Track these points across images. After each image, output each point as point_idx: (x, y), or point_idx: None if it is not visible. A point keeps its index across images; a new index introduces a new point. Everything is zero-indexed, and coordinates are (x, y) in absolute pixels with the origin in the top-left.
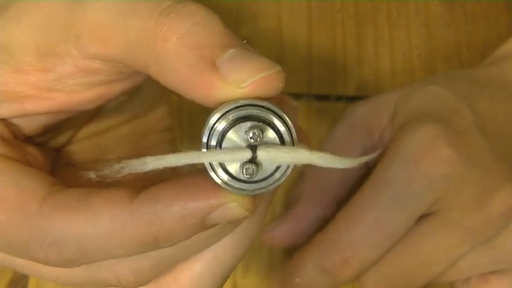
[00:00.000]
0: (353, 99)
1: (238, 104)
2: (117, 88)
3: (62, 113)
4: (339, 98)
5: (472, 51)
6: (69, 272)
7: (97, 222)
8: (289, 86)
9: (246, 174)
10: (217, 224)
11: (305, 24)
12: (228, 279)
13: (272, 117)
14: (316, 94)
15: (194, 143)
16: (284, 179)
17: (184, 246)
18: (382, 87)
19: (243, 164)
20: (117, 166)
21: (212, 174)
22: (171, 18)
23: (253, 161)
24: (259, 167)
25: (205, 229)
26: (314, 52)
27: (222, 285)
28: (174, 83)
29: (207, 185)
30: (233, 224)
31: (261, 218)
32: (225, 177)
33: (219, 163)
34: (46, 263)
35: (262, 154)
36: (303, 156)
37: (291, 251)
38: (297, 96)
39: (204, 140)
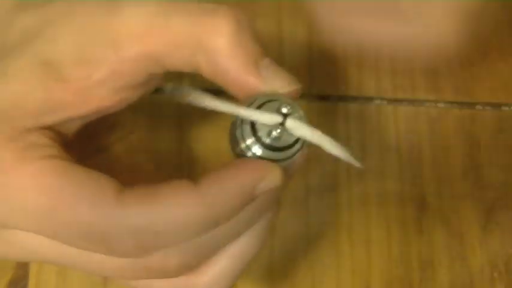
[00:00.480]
0: (353, 99)
1: (271, 98)
2: (139, 92)
3: (91, 116)
4: (340, 98)
5: (472, 51)
6: (114, 261)
7: (171, 209)
8: None
9: (273, 137)
10: (261, 194)
11: (305, 24)
12: None
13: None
14: (316, 94)
15: (195, 142)
16: (300, 152)
17: (230, 228)
18: (382, 87)
19: (270, 131)
20: (169, 87)
21: (246, 127)
22: (221, 18)
23: (281, 126)
24: (283, 135)
25: (252, 200)
26: (314, 52)
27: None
28: (221, 77)
29: (249, 163)
30: (267, 203)
31: (272, 220)
32: (256, 147)
33: (254, 135)
34: (120, 253)
35: (289, 122)
36: (320, 136)
37: (291, 251)
38: None
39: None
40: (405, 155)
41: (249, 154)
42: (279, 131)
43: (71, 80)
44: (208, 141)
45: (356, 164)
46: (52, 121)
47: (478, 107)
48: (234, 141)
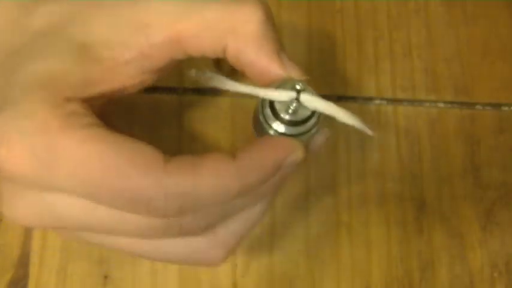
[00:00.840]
0: (353, 99)
1: (285, 81)
2: (156, 76)
3: (116, 94)
4: (339, 98)
5: (472, 51)
6: (149, 221)
7: (211, 179)
8: None
9: (290, 112)
10: (285, 167)
11: (305, 24)
12: (228, 279)
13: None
14: None
15: (194, 142)
16: (317, 126)
17: (253, 196)
18: (382, 87)
19: (288, 106)
20: (194, 72)
21: (266, 110)
22: (250, 6)
23: (296, 101)
24: (299, 109)
25: (278, 172)
26: (314, 52)
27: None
28: (245, 62)
29: (277, 140)
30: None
31: (272, 198)
32: (277, 126)
33: (274, 115)
34: (161, 214)
35: (304, 97)
36: (332, 107)
37: (291, 251)
38: None
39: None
40: (405, 155)
41: (272, 132)
42: (294, 105)
43: (103, 60)
44: (208, 141)
45: (368, 132)
46: (88, 94)
47: (478, 107)
48: (259, 125)
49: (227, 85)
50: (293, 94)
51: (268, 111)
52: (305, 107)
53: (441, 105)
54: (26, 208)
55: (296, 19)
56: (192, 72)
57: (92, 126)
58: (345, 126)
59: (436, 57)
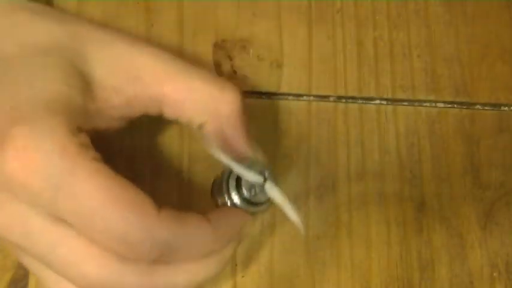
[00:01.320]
0: (353, 99)
1: (255, 162)
2: (125, 123)
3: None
4: (339, 98)
5: (472, 51)
6: (122, 274)
7: (195, 232)
8: (289, 86)
9: (252, 193)
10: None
11: (305, 24)
12: (228, 279)
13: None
14: (316, 94)
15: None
16: (267, 209)
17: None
18: (382, 87)
19: (251, 188)
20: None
21: (232, 181)
22: (231, 91)
23: (260, 186)
24: (259, 194)
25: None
26: (314, 52)
27: None
28: (222, 138)
29: (239, 211)
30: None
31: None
32: (236, 198)
33: (237, 190)
34: (140, 257)
35: (267, 184)
36: (285, 203)
37: (291, 251)
38: (297, 96)
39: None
40: (405, 155)
41: (229, 203)
42: (258, 189)
43: (97, 98)
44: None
45: (302, 230)
46: (88, 127)
47: (478, 107)
48: (218, 192)
49: (215, 152)
50: (261, 179)
51: (233, 182)
52: (264, 193)
53: (441, 105)
54: (0, 216)
55: (296, 19)
56: (196, 131)
57: (100, 161)
58: (344, 126)
59: (436, 57)
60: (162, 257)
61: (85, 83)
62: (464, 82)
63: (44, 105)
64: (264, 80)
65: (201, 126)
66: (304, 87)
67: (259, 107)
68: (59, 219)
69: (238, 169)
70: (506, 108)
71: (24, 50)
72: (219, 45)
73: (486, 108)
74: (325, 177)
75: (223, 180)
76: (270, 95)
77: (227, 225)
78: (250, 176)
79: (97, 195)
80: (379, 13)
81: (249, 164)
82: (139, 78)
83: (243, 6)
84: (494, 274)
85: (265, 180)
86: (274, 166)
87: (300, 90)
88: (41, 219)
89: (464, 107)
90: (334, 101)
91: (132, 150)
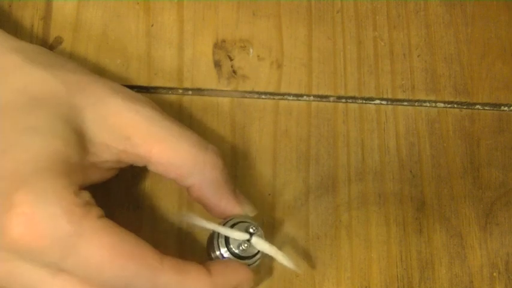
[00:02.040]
0: (353, 99)
1: (241, 219)
2: (122, 167)
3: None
4: (339, 98)
5: (472, 51)
6: None
7: (194, 281)
8: (289, 86)
9: (241, 249)
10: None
11: (305, 24)
12: None
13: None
14: (316, 94)
15: None
16: (259, 261)
17: None
18: (382, 87)
19: (240, 244)
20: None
21: (222, 250)
22: (213, 154)
23: (248, 242)
24: (249, 248)
25: None
26: (314, 52)
27: None
28: (208, 199)
29: (239, 265)
30: None
31: None
32: (227, 254)
33: (227, 246)
34: None
35: (254, 239)
36: (274, 251)
37: (291, 251)
38: (297, 96)
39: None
40: (405, 155)
41: (221, 258)
42: (246, 245)
43: (89, 153)
44: (209, 141)
45: (298, 271)
46: (87, 183)
47: (478, 107)
48: (211, 247)
49: (197, 222)
50: (246, 236)
51: (222, 240)
52: (253, 247)
53: (441, 105)
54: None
55: (296, 19)
56: (179, 213)
57: (103, 218)
58: (344, 126)
59: (436, 57)
60: None
61: (79, 138)
62: (464, 82)
63: (45, 167)
64: (264, 80)
65: (188, 189)
66: (304, 87)
67: (259, 107)
68: (61, 270)
69: (224, 231)
70: (506, 108)
71: (19, 99)
72: (219, 45)
73: (486, 108)
74: (325, 177)
75: (214, 238)
76: (270, 95)
77: (227, 279)
78: (235, 235)
79: (103, 252)
80: (379, 13)
81: (234, 222)
82: (129, 138)
83: (243, 6)
84: (494, 274)
85: (251, 236)
86: (275, 166)
87: (300, 90)
88: (43, 272)
89: (464, 107)
90: (334, 101)
91: None
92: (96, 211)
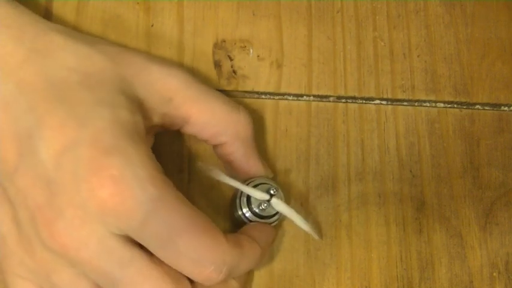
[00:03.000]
0: (353, 99)
1: (264, 181)
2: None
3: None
4: (339, 98)
5: (472, 51)
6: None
7: (250, 251)
8: (289, 86)
9: (261, 208)
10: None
11: (305, 24)
12: None
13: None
14: (316, 94)
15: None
16: (277, 221)
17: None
18: (381, 87)
19: (260, 204)
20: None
21: (243, 198)
22: (245, 115)
23: (267, 202)
24: (268, 208)
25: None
26: (314, 52)
27: None
28: (236, 155)
29: (268, 226)
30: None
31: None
32: (248, 214)
33: (248, 206)
34: (205, 279)
35: (274, 200)
36: (292, 213)
37: (291, 251)
38: (297, 96)
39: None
40: (405, 155)
41: (243, 217)
42: (265, 205)
43: (146, 120)
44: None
45: (315, 236)
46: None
47: (478, 107)
48: (234, 206)
49: (223, 178)
50: (267, 196)
51: (244, 199)
52: (273, 208)
53: (441, 105)
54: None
55: (296, 19)
56: (198, 165)
57: (176, 189)
58: (344, 126)
59: (436, 57)
60: (228, 276)
61: (138, 107)
62: (464, 82)
63: (124, 134)
64: (264, 80)
65: (219, 147)
66: (304, 87)
67: (259, 107)
68: (132, 241)
69: (246, 190)
70: (506, 108)
71: (73, 76)
72: (219, 45)
73: (486, 108)
74: (325, 177)
75: (237, 197)
76: (270, 95)
77: (265, 238)
78: (256, 195)
79: (182, 222)
80: (379, 13)
81: (256, 183)
82: (171, 100)
83: (243, 6)
84: (494, 274)
85: (271, 197)
86: (274, 166)
87: (300, 90)
88: (116, 239)
89: (464, 107)
90: (334, 101)
91: None
92: (166, 177)
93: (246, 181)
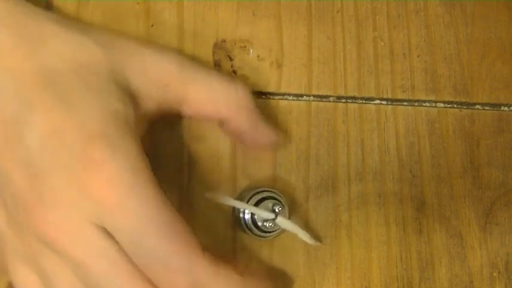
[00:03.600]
0: (353, 99)
1: (267, 194)
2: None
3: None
4: (339, 98)
5: (472, 51)
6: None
7: (225, 278)
8: (289, 87)
9: (267, 226)
10: None
11: (305, 24)
12: None
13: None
14: (316, 94)
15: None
16: (283, 231)
17: None
18: (381, 87)
19: (265, 221)
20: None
21: (252, 227)
22: (242, 85)
23: (272, 221)
24: (274, 225)
25: None
26: (314, 52)
27: None
28: (243, 127)
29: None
30: None
31: None
32: (256, 231)
33: (254, 225)
34: (170, 285)
35: (279, 219)
36: (297, 229)
37: (291, 251)
38: (296, 96)
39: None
40: (405, 155)
41: (248, 231)
42: (271, 224)
43: (139, 109)
44: (208, 141)
45: (317, 244)
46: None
47: (478, 107)
48: (238, 222)
49: (232, 203)
50: (272, 215)
51: (248, 216)
52: (277, 225)
53: (441, 105)
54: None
55: (296, 19)
56: (206, 195)
57: (158, 186)
58: (344, 126)
59: (436, 57)
60: None
61: (130, 95)
62: (464, 82)
63: (114, 124)
64: (264, 80)
65: (222, 124)
66: (304, 87)
67: (259, 107)
68: (108, 234)
69: (251, 209)
70: (506, 108)
71: (63, 62)
72: (219, 45)
73: (486, 108)
74: (325, 177)
75: (241, 212)
76: (270, 95)
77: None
78: (261, 214)
79: (155, 217)
80: (379, 13)
81: (260, 197)
82: (167, 84)
83: (243, 6)
84: (494, 274)
85: (276, 215)
86: (274, 166)
87: (300, 90)
88: (93, 228)
89: (464, 107)
90: (334, 101)
91: None
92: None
93: (250, 192)
